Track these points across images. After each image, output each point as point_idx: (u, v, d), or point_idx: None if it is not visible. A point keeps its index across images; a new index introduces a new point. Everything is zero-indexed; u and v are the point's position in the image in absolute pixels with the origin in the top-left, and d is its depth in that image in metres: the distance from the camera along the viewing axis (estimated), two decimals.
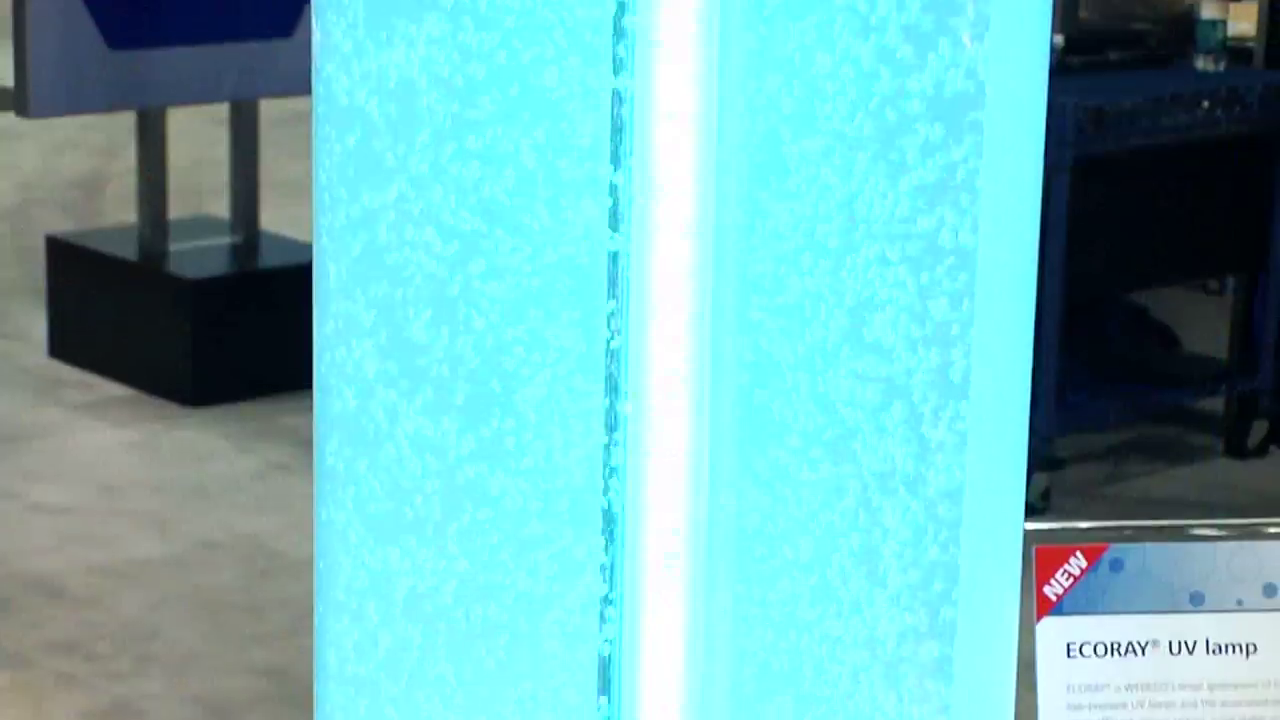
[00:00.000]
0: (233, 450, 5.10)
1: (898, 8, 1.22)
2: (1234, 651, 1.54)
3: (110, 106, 5.53)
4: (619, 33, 1.22)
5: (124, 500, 4.78)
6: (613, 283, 1.24)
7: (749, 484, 1.27)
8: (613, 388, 1.25)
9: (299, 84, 5.38)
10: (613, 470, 1.25)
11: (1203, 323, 5.63)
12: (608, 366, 1.25)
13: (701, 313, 1.24)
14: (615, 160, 1.23)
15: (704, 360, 1.24)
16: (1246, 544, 1.55)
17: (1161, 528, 1.55)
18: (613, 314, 1.24)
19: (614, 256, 1.24)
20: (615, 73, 1.22)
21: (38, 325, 5.75)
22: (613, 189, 1.23)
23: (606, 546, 1.26)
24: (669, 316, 1.23)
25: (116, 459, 5.04)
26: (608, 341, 1.25)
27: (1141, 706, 1.53)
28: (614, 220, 1.24)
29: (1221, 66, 5.13)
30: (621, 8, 1.22)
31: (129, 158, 6.06)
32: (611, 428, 1.25)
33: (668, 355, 1.24)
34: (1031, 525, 1.47)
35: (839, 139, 1.24)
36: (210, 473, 4.97)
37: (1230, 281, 5.54)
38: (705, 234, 1.24)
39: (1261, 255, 5.16)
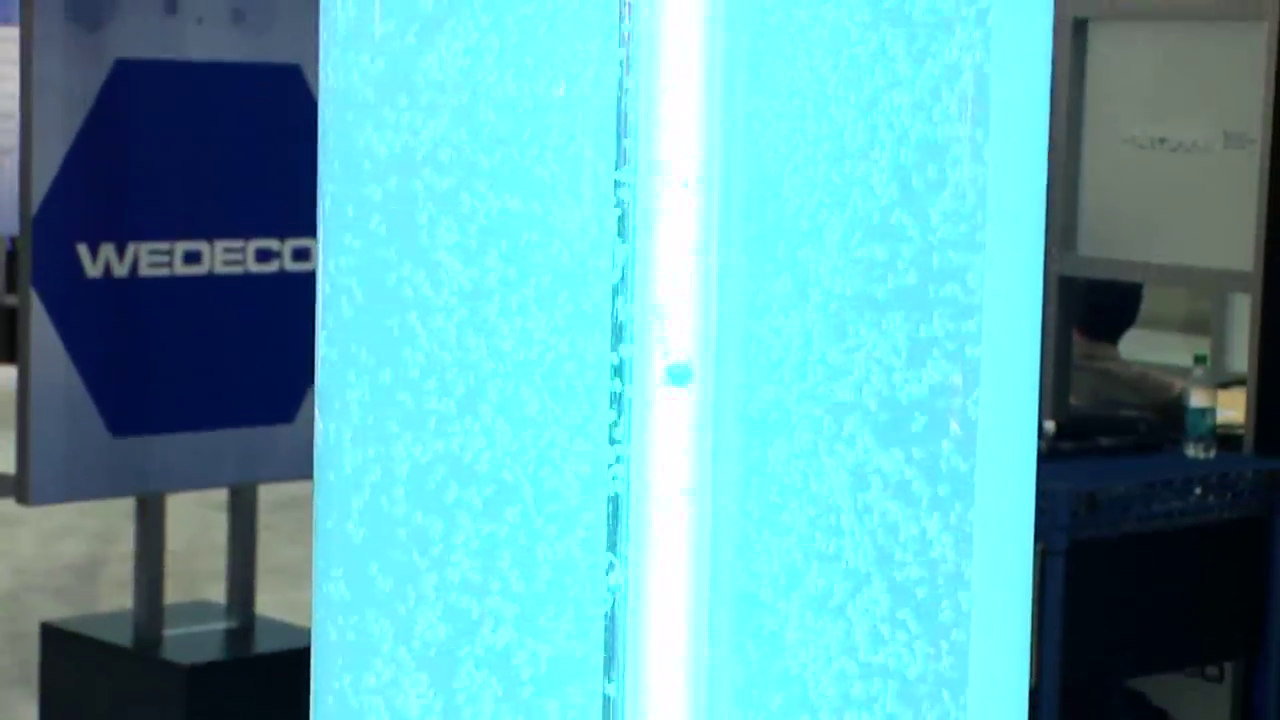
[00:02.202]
0: None
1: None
2: None
3: (111, 493, 5.57)
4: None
5: None
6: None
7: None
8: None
9: (299, 468, 5.44)
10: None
11: (1203, 708, 5.59)
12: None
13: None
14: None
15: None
16: None
17: None
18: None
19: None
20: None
21: (29, 715, 5.70)
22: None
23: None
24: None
25: None
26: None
27: None
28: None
29: (1212, 453, 5.19)
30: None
31: (126, 542, 6.08)
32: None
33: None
34: None
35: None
36: None
37: (1230, 665, 5.52)
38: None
39: (1259, 640, 5.16)
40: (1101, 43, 5.66)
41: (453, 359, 1.31)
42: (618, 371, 1.26)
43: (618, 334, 1.26)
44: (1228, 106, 5.40)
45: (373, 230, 1.33)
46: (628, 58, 1.26)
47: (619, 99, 1.26)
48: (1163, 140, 5.54)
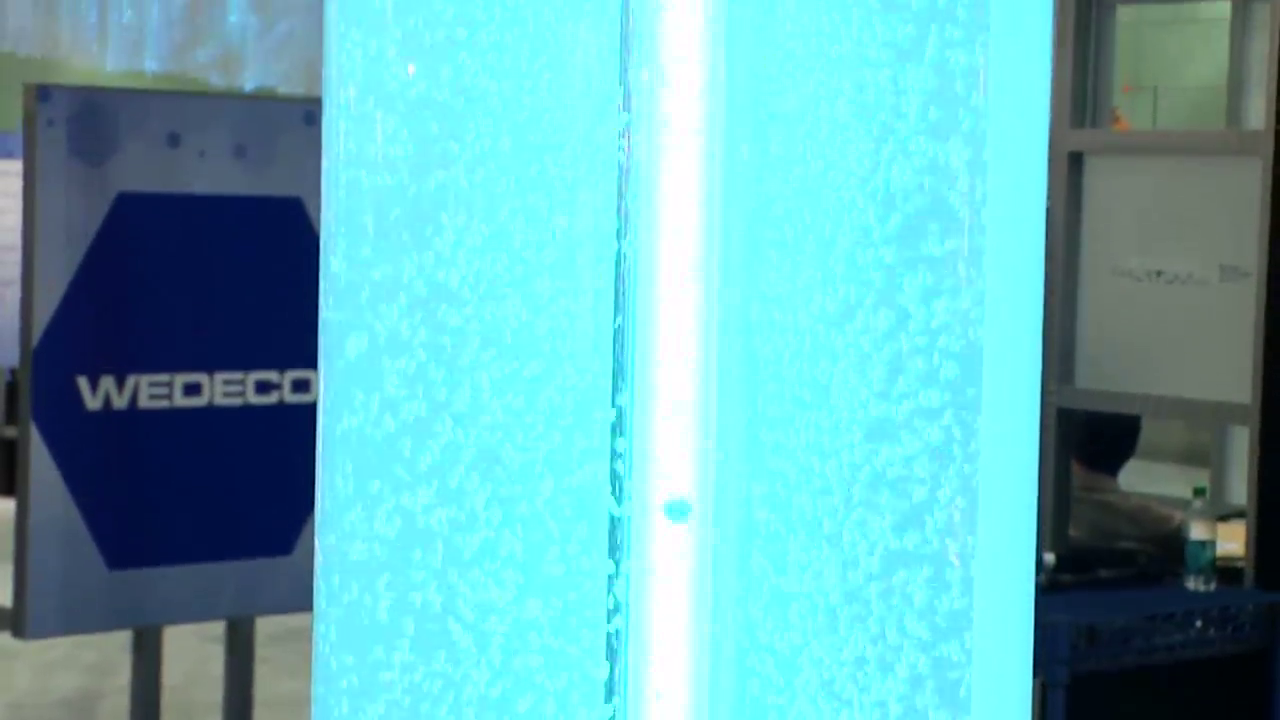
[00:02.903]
0: None
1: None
2: None
3: (108, 626, 5.55)
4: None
5: None
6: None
7: None
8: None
9: (297, 601, 5.42)
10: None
11: None
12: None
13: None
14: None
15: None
16: None
17: None
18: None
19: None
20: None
21: None
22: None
23: None
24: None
25: None
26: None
27: None
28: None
29: (1212, 586, 5.17)
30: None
31: (123, 675, 6.05)
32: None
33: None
34: None
35: None
36: None
37: None
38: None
39: None
40: (1098, 176, 5.70)
41: (453, 514, 1.31)
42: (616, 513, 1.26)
43: (615, 472, 1.26)
44: (1224, 240, 5.43)
45: (375, 363, 1.34)
46: (626, 216, 1.27)
47: (618, 262, 1.27)
48: (1159, 273, 5.57)
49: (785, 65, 1.28)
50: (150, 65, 6.79)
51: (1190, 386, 5.53)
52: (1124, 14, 6.22)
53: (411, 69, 1.32)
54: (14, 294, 5.88)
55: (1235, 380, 5.40)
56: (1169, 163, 5.60)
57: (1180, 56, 13.15)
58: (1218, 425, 7.26)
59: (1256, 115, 5.90)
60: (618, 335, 1.27)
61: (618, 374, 1.27)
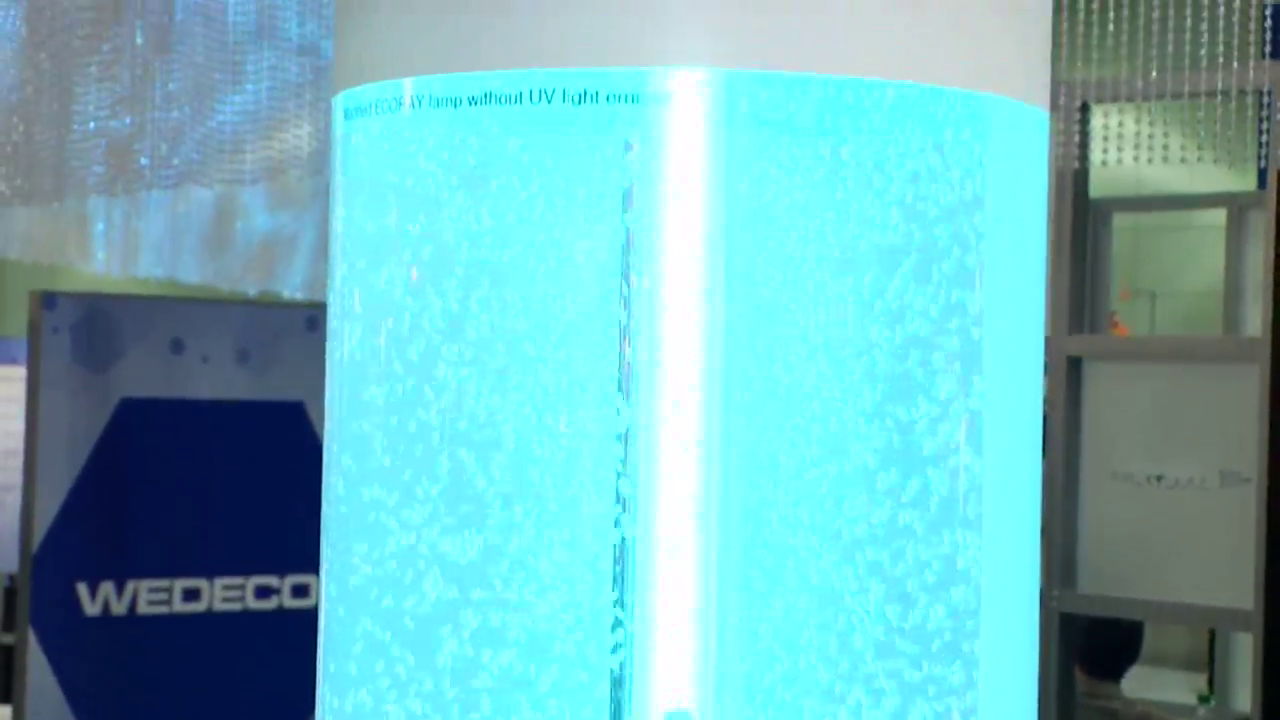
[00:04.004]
0: None
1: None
2: None
3: None
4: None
5: None
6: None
7: None
8: None
9: None
10: None
11: None
12: None
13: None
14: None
15: None
16: None
17: None
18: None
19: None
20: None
21: None
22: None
23: None
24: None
25: None
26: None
27: None
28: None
29: None
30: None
31: None
32: None
33: None
34: None
35: None
36: None
37: None
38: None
39: None
40: (1097, 381, 5.73)
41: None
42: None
43: (616, 684, 1.26)
44: (1224, 445, 5.44)
45: (375, 563, 1.34)
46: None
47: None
48: (1160, 477, 5.57)
49: (781, 291, 1.30)
50: (154, 271, 6.84)
51: (1192, 592, 5.51)
52: (1121, 220, 6.28)
53: (414, 273, 1.34)
54: (14, 499, 5.88)
55: (1237, 586, 5.38)
56: (1168, 369, 5.63)
57: (1177, 262, 13.24)
58: (1220, 631, 7.23)
59: (1254, 322, 5.94)
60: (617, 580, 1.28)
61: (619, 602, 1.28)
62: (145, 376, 5.33)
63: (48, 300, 5.18)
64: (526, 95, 1.31)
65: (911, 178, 1.32)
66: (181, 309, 5.49)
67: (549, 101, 1.31)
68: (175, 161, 5.48)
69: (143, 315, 5.35)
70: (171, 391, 5.39)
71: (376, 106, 1.38)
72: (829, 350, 1.30)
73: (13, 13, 5.16)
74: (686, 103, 1.29)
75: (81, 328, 5.21)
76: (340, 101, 1.43)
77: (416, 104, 1.35)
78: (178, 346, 5.39)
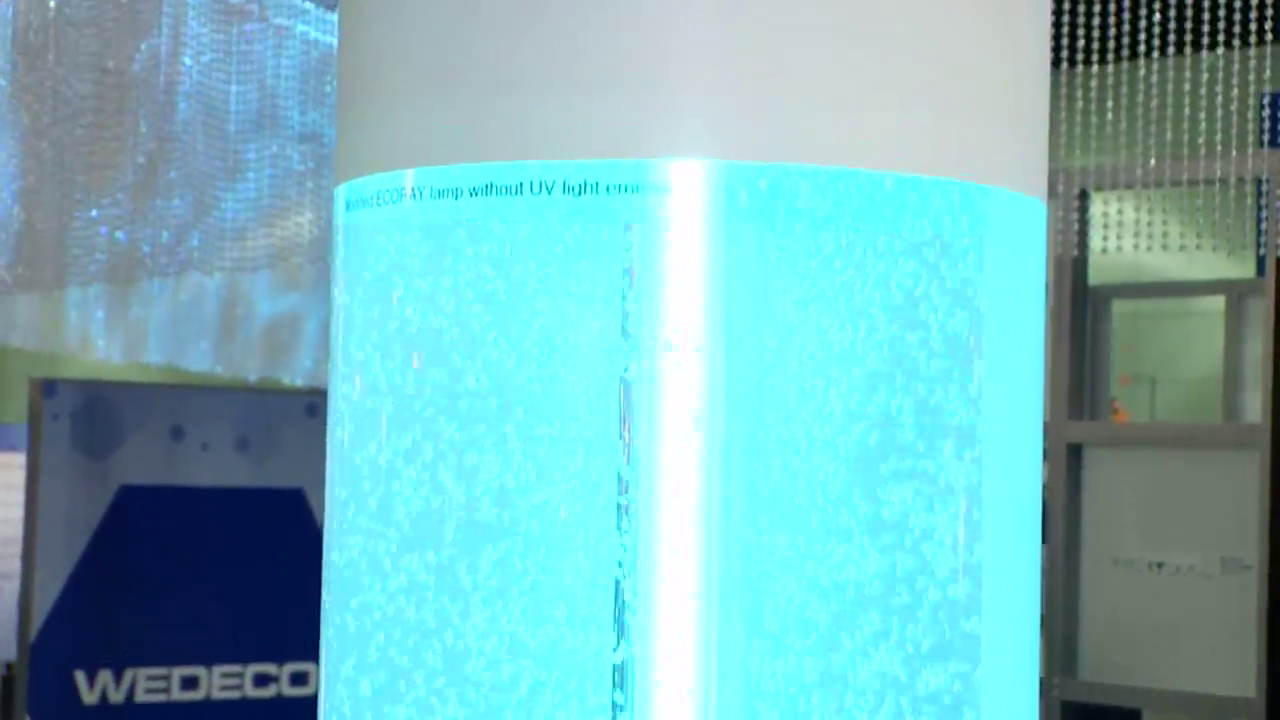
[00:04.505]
0: None
1: None
2: None
3: None
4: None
5: None
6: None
7: None
8: None
9: None
10: None
11: None
12: None
13: None
14: None
15: None
16: None
17: None
18: None
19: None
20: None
21: None
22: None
23: None
24: None
25: None
26: None
27: None
28: None
29: None
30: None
31: None
32: None
33: None
34: None
35: None
36: None
37: None
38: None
39: None
40: (1097, 468, 5.72)
41: None
42: None
43: None
44: (1224, 533, 5.44)
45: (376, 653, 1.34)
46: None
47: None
48: (1161, 565, 5.56)
49: (778, 376, 1.30)
50: (155, 358, 6.85)
51: (1194, 679, 5.49)
52: (1120, 306, 6.29)
53: (416, 360, 1.34)
54: (13, 588, 5.87)
55: (1239, 673, 5.36)
56: (1168, 455, 5.62)
57: (1177, 349, 13.25)
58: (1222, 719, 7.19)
59: (1254, 408, 5.94)
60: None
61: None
62: (145, 463, 5.32)
63: (48, 387, 5.18)
64: (527, 186, 1.32)
65: (910, 266, 1.32)
66: (182, 396, 5.50)
67: (549, 192, 1.31)
68: (177, 249, 5.50)
69: (143, 402, 5.35)
70: (171, 478, 5.39)
71: (378, 197, 1.39)
72: (827, 436, 1.30)
73: (15, 102, 5.19)
74: (686, 193, 1.30)
75: (81, 415, 5.22)
76: (342, 192, 1.44)
77: (417, 195, 1.36)
78: (178, 433, 5.39)
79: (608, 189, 1.30)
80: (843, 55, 1.32)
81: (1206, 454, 5.54)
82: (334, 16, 5.59)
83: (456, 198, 1.34)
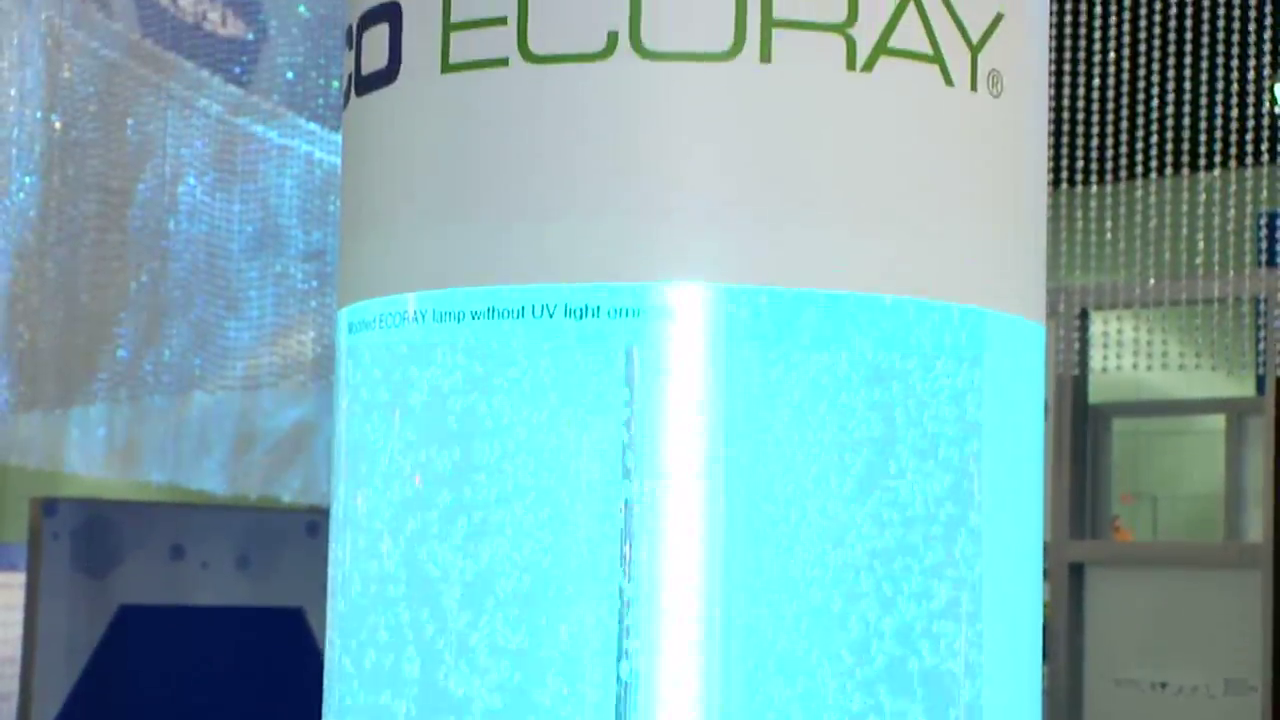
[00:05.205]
0: None
1: None
2: None
3: None
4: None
5: None
6: None
7: None
8: None
9: None
10: None
11: None
12: None
13: None
14: None
15: None
16: None
17: None
18: None
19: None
20: None
21: None
22: None
23: None
24: None
25: None
26: None
27: None
28: None
29: None
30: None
31: None
32: None
33: None
34: None
35: None
36: None
37: None
38: None
39: None
40: (1099, 587, 5.71)
41: None
42: None
43: None
44: (1228, 653, 5.42)
45: None
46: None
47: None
48: (1164, 685, 5.53)
49: (779, 486, 1.31)
50: (156, 476, 6.85)
51: None
52: (1121, 425, 6.30)
53: (418, 480, 1.35)
54: (10, 708, 5.85)
55: None
56: (1170, 575, 5.61)
57: (1178, 467, 13.25)
58: None
59: (1255, 527, 5.94)
60: None
61: None
62: (145, 583, 5.31)
63: (48, 506, 5.18)
64: (529, 310, 1.33)
65: (908, 388, 1.33)
66: (182, 514, 5.49)
67: (550, 316, 1.32)
68: (179, 368, 5.51)
69: (143, 521, 5.35)
70: (171, 598, 5.38)
71: (380, 320, 1.40)
72: (827, 556, 1.30)
73: (18, 221, 5.22)
74: (688, 317, 1.31)
75: (82, 533, 5.21)
76: (344, 316, 1.45)
77: (420, 318, 1.37)
78: (178, 552, 5.38)
79: (609, 313, 1.31)
80: (842, 180, 1.33)
81: (1209, 573, 5.53)
82: (338, 137, 5.63)
83: (459, 321, 1.35)
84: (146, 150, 5.39)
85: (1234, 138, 5.40)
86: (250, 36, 5.65)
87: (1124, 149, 5.50)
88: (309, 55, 5.69)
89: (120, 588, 5.28)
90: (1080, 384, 5.84)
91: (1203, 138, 5.41)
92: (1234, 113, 5.37)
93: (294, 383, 6.10)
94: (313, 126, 5.70)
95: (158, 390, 5.65)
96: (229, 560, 5.47)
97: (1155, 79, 5.37)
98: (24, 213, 5.24)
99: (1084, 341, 5.78)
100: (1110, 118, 5.50)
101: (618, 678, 1.29)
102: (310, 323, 5.84)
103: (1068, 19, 5.69)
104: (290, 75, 5.69)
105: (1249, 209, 5.63)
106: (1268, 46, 5.41)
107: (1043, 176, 1.47)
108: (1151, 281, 5.51)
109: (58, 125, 5.18)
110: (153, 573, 5.34)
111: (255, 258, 5.60)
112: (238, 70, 5.63)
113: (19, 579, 5.88)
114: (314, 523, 5.61)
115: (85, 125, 5.28)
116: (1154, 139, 5.45)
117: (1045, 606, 5.29)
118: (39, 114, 5.12)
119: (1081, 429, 5.78)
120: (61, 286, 5.34)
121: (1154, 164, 5.47)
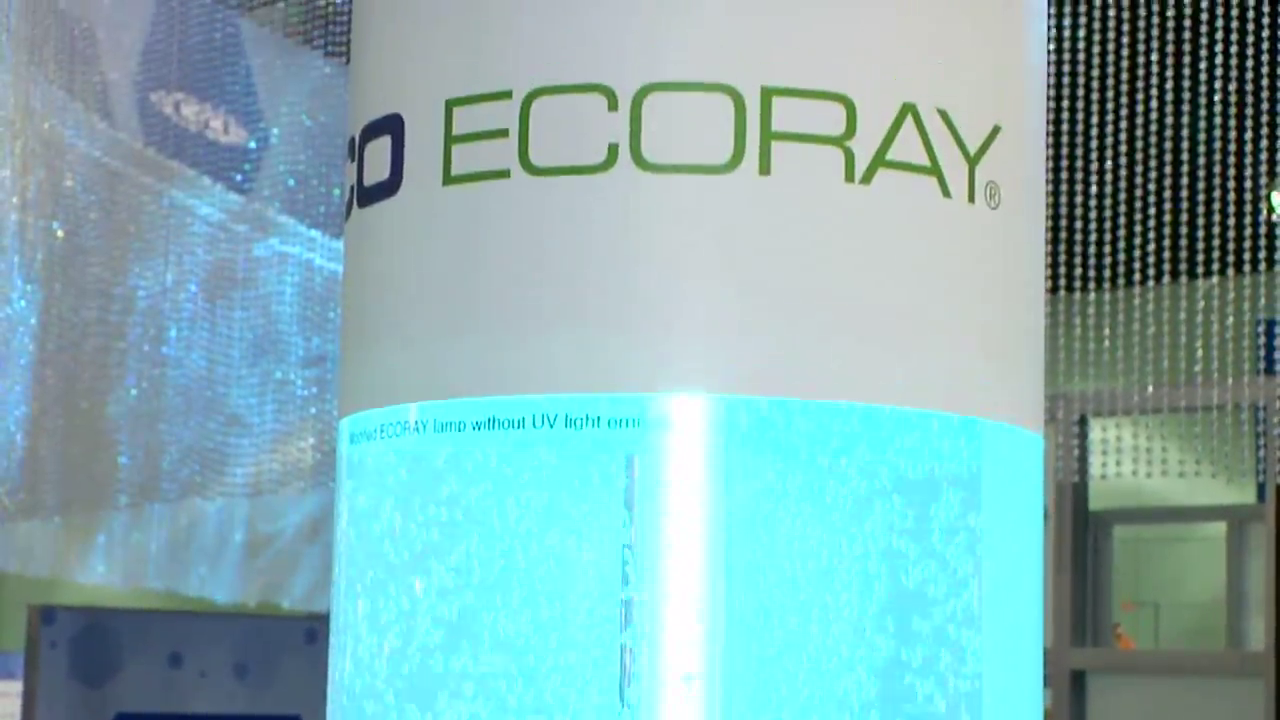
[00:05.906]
0: None
1: None
2: None
3: None
4: None
5: None
6: None
7: None
8: None
9: None
10: None
11: None
12: None
13: None
14: None
15: None
16: None
17: None
18: None
19: None
20: None
21: None
22: None
23: None
24: None
25: None
26: None
27: None
28: None
29: None
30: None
31: None
32: None
33: None
34: None
35: None
36: None
37: None
38: None
39: None
40: (1100, 695, 5.69)
41: None
42: None
43: None
44: None
45: None
46: None
47: None
48: None
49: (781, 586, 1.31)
50: (154, 583, 6.84)
51: None
52: (1121, 532, 6.30)
53: (419, 587, 1.35)
54: None
55: None
56: (1171, 683, 5.59)
57: (1179, 574, 13.21)
58: None
59: (1257, 634, 5.92)
60: None
61: None
62: (142, 691, 5.29)
63: (46, 614, 5.16)
64: (530, 420, 1.33)
65: (906, 497, 1.33)
66: (180, 622, 5.47)
67: (551, 426, 1.33)
68: (178, 474, 5.51)
69: (141, 629, 5.33)
70: (169, 706, 5.35)
71: (381, 430, 1.40)
72: (823, 664, 1.30)
73: (20, 329, 5.23)
74: (687, 427, 1.31)
75: (79, 641, 5.19)
76: (345, 426, 1.45)
77: (420, 428, 1.37)
78: (176, 660, 5.36)
79: (609, 423, 1.31)
80: (840, 292, 1.34)
81: (1211, 681, 5.51)
82: (338, 244, 5.66)
83: (460, 431, 1.35)
84: (147, 257, 5.41)
85: (1232, 244, 5.42)
86: (252, 144, 5.68)
87: (1122, 255, 5.52)
88: (310, 162, 5.71)
89: (118, 696, 5.25)
90: (1080, 490, 5.83)
91: (1201, 244, 5.43)
92: (1232, 220, 5.39)
93: (294, 489, 6.09)
94: (314, 233, 5.73)
95: (157, 497, 5.64)
96: (227, 668, 5.45)
97: (1153, 185, 5.39)
98: (24, 320, 5.25)
99: (1083, 448, 5.77)
100: (1109, 224, 5.51)
101: None
102: (310, 429, 5.84)
103: (1065, 126, 5.72)
104: (291, 182, 5.72)
105: (1247, 316, 5.64)
106: (1265, 154, 5.43)
107: (1040, 286, 1.47)
108: (1150, 388, 5.52)
109: (60, 233, 5.20)
110: (150, 681, 5.31)
111: (255, 364, 5.61)
112: (239, 178, 5.66)
113: (16, 687, 5.85)
114: (313, 630, 5.59)
115: (87, 233, 5.30)
116: (1152, 245, 5.46)
117: (1046, 714, 5.27)
118: (41, 222, 5.14)
119: (1082, 536, 5.77)
120: (62, 394, 5.34)
121: (1152, 270, 5.48)
